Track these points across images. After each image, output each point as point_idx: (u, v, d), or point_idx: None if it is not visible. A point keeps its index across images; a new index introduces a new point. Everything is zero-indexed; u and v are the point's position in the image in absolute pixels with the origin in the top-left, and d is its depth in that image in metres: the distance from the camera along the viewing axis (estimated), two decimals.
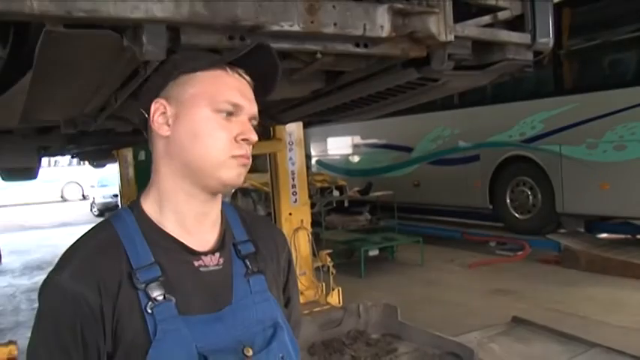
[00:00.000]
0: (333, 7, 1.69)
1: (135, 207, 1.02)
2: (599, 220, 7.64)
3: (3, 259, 9.80)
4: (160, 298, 0.92)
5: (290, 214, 4.96)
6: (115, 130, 3.66)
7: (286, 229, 4.77)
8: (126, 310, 0.91)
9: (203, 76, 0.98)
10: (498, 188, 8.10)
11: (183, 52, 1.10)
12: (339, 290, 5.09)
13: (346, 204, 9.34)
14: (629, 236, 7.55)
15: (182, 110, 0.97)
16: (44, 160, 7.41)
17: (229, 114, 0.98)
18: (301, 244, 4.96)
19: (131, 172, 9.51)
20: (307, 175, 5.45)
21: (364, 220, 8.95)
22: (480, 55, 2.22)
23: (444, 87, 2.57)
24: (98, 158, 9.30)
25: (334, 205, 9.30)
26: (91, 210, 18.05)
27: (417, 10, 1.84)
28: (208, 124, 0.96)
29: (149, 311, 0.91)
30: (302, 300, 4.46)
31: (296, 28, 1.63)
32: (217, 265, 1.01)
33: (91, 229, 1.01)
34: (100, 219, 1.13)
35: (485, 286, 6.28)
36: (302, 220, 5.00)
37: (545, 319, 4.55)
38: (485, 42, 2.17)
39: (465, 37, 2.04)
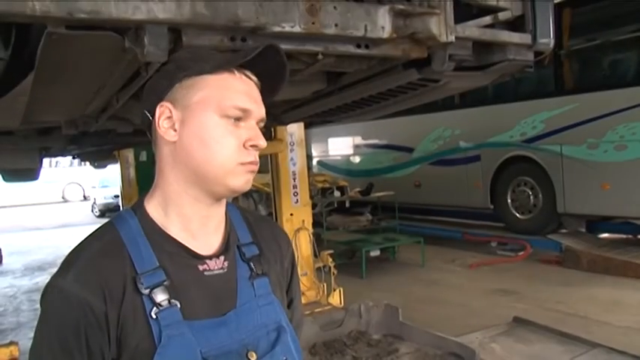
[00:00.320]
0: (334, 8, 1.69)
1: (138, 209, 1.00)
2: (601, 220, 7.64)
3: (4, 260, 9.82)
4: (165, 303, 0.91)
5: (291, 214, 4.96)
6: (117, 131, 3.67)
7: (287, 229, 4.77)
8: (130, 315, 0.90)
9: (210, 80, 0.95)
10: (499, 188, 8.10)
11: (190, 51, 1.06)
12: (340, 291, 5.09)
13: (347, 204, 9.34)
14: (630, 236, 7.55)
15: (189, 115, 0.95)
16: (45, 161, 7.40)
17: (237, 119, 0.96)
18: (302, 245, 4.96)
19: (132, 172, 9.52)
20: (308, 176, 5.44)
21: (365, 221, 8.94)
22: (480, 55, 2.22)
23: (444, 87, 2.57)
24: (99, 159, 9.29)
25: (335, 205, 9.30)
26: (92, 211, 18.05)
27: (417, 11, 1.84)
28: (216, 130, 0.94)
29: (154, 317, 0.90)
30: (303, 300, 4.45)
31: (297, 29, 1.63)
32: (222, 268, 1.00)
33: (94, 231, 1.00)
34: (101, 220, 1.12)
35: (486, 287, 6.28)
36: (303, 221, 5.00)
37: (546, 319, 4.54)
38: (485, 42, 2.18)
39: (465, 38, 2.04)
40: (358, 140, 11.14)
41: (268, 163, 5.08)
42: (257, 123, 0.99)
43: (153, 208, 1.00)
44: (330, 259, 5.14)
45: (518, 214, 7.94)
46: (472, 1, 2.08)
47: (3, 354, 3.31)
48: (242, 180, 0.97)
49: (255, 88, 1.00)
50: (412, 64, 2.20)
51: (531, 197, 7.71)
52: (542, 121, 7.33)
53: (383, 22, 1.78)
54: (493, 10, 2.14)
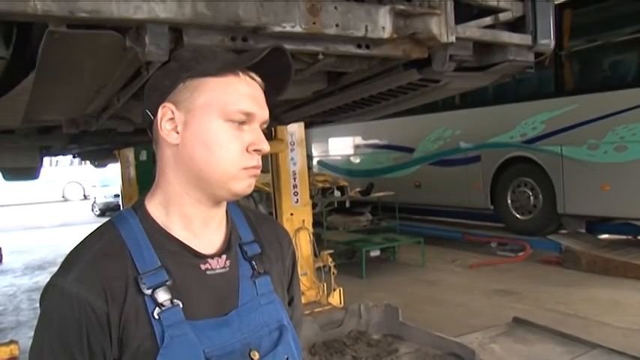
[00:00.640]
0: (335, 8, 1.69)
1: (139, 209, 0.99)
2: (600, 221, 7.63)
3: (4, 259, 9.82)
4: (167, 303, 0.91)
5: (291, 214, 4.96)
6: (117, 130, 3.67)
7: (288, 229, 4.73)
8: (132, 316, 0.89)
9: (213, 83, 0.94)
10: (499, 189, 8.10)
11: (193, 49, 1.04)
12: (340, 291, 5.09)
13: (347, 204, 9.33)
14: (630, 237, 7.54)
15: (192, 118, 0.94)
16: (46, 160, 7.39)
17: (241, 123, 0.95)
18: (302, 245, 4.96)
19: (132, 172, 9.52)
20: (309, 176, 5.44)
21: (365, 221, 8.94)
22: (481, 56, 2.23)
23: (445, 88, 2.57)
24: (100, 158, 9.29)
25: (335, 205, 9.29)
26: (93, 210, 18.04)
27: (418, 12, 1.84)
28: (220, 134, 0.94)
29: (156, 317, 0.90)
30: (303, 300, 4.46)
31: (298, 29, 1.63)
32: (224, 267, 0.99)
33: (94, 231, 0.99)
34: (102, 219, 1.12)
35: (486, 287, 6.28)
36: (303, 221, 5.00)
37: (546, 319, 4.55)
38: (486, 43, 2.18)
39: (466, 39, 2.05)
40: (358, 140, 11.14)
41: (269, 163, 5.08)
42: (260, 125, 0.98)
43: (154, 207, 0.99)
44: (330, 259, 5.13)
45: (518, 215, 7.95)
46: (473, 1, 2.08)
47: (3, 353, 3.31)
48: (245, 184, 0.97)
49: (259, 90, 0.99)
50: (413, 65, 2.20)
51: (531, 198, 7.71)
52: (542, 122, 7.33)
53: (383, 23, 1.78)
54: (494, 11, 2.15)
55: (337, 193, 9.40)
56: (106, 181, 17.21)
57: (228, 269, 1.00)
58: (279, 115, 3.51)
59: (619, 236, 7.72)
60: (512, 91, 7.68)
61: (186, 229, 0.98)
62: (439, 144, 9.07)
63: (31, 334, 0.94)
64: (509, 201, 8.01)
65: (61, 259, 0.96)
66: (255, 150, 0.96)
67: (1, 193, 20.20)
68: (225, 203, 1.04)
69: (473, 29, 2.07)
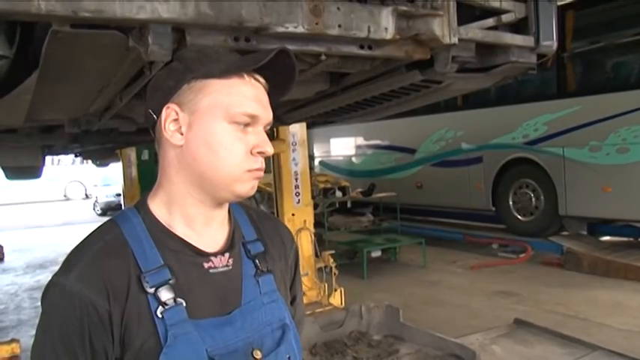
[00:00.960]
0: (338, 8, 1.69)
1: (141, 208, 0.99)
2: (602, 223, 7.61)
3: (6, 258, 9.85)
4: (171, 302, 0.90)
5: (293, 214, 4.96)
6: (119, 130, 3.67)
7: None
8: (135, 314, 0.89)
9: (218, 85, 0.94)
10: (501, 190, 8.10)
11: (197, 49, 1.04)
12: (341, 291, 5.09)
13: (349, 205, 9.34)
14: (631, 239, 7.53)
15: (196, 120, 0.94)
16: (48, 159, 7.41)
17: (246, 125, 0.95)
18: (304, 245, 4.96)
19: (134, 171, 9.54)
20: (310, 176, 5.45)
21: (367, 221, 8.94)
22: (483, 57, 2.23)
23: (447, 89, 2.57)
24: (101, 157, 9.29)
25: (337, 206, 9.29)
26: (94, 209, 18.06)
27: (421, 13, 1.84)
28: (224, 137, 0.93)
29: (159, 316, 0.89)
30: (305, 300, 4.46)
31: (300, 29, 1.64)
32: (227, 266, 0.99)
33: (96, 229, 0.99)
34: (103, 218, 1.12)
35: (487, 288, 6.28)
36: (305, 221, 5.00)
37: (547, 321, 4.54)
38: (488, 44, 2.18)
39: (468, 40, 2.05)
40: (360, 141, 11.14)
41: (270, 164, 5.09)
42: (264, 127, 0.99)
43: (156, 206, 0.99)
44: (332, 260, 5.14)
45: (519, 216, 7.94)
46: (475, 3, 2.08)
47: (4, 351, 3.32)
48: (248, 186, 0.97)
49: (263, 92, 0.99)
50: (415, 66, 2.20)
51: (533, 199, 7.70)
52: (544, 124, 7.32)
53: (386, 24, 1.78)
54: (496, 12, 2.15)
55: (339, 194, 9.40)
56: (108, 180, 17.23)
57: (231, 267, 1.00)
58: (281, 115, 3.51)
59: (620, 238, 7.71)
60: (515, 93, 7.67)
61: (188, 228, 0.98)
62: (441, 145, 9.06)
63: (33, 332, 0.94)
64: (510, 202, 8.00)
65: (62, 258, 0.96)
66: (259, 152, 0.96)
67: (3, 192, 20.23)
68: (227, 203, 1.04)
69: (475, 30, 2.07)
